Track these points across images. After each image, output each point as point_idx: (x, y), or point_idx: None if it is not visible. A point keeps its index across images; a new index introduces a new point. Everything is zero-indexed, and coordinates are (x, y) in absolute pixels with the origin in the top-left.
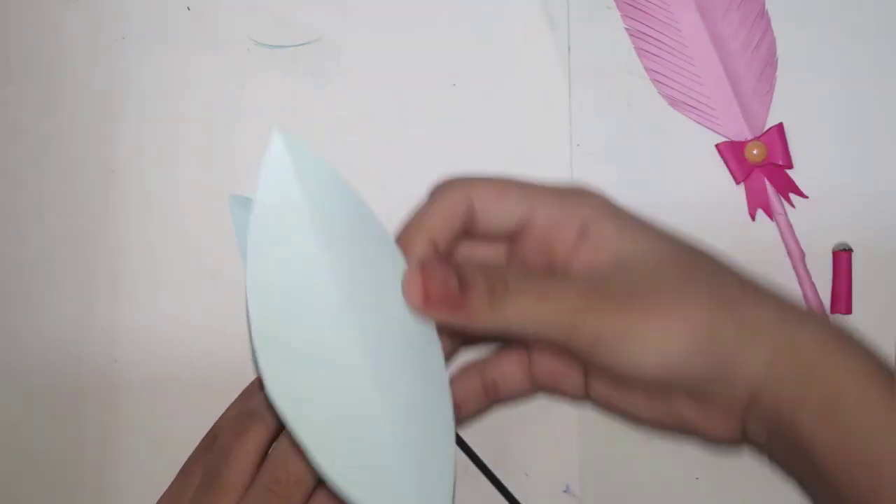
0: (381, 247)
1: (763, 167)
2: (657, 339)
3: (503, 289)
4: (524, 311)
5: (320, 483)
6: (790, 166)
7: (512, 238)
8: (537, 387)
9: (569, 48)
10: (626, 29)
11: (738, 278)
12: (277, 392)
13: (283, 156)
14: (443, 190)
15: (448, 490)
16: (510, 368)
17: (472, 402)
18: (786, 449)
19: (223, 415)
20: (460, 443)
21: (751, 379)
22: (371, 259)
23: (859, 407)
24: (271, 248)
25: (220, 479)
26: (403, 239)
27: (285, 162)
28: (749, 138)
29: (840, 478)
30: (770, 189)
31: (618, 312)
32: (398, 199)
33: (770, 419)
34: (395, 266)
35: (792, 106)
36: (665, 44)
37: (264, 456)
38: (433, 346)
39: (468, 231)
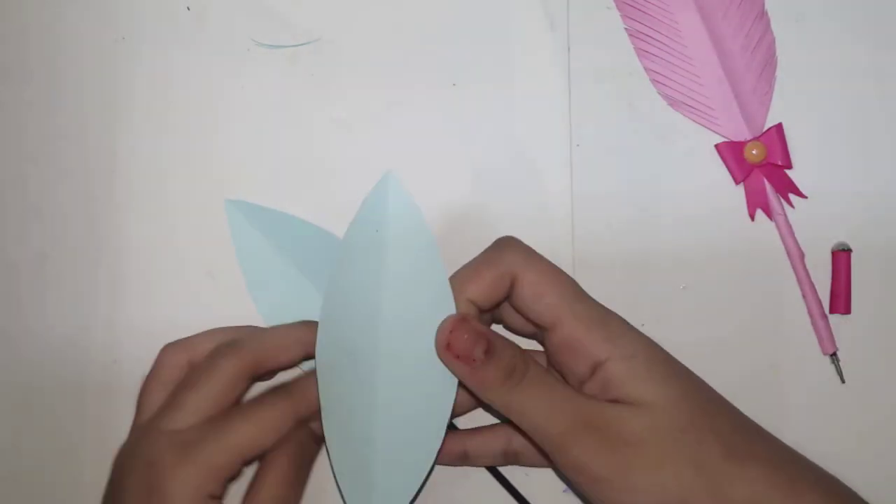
0: (437, 287)
1: (762, 167)
2: (627, 498)
3: (519, 376)
4: (525, 406)
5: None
6: (789, 166)
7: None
8: (508, 462)
9: (569, 48)
10: (626, 29)
11: (729, 443)
12: (320, 358)
13: (385, 196)
14: (497, 256)
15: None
16: (489, 443)
17: (445, 459)
18: None
19: None
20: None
21: None
22: (425, 295)
23: None
24: (349, 263)
25: (140, 400)
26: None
27: (385, 201)
28: (748, 138)
29: None
30: (769, 189)
31: (599, 456)
32: None
33: None
34: (442, 307)
35: (791, 106)
36: (665, 44)
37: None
38: (448, 388)
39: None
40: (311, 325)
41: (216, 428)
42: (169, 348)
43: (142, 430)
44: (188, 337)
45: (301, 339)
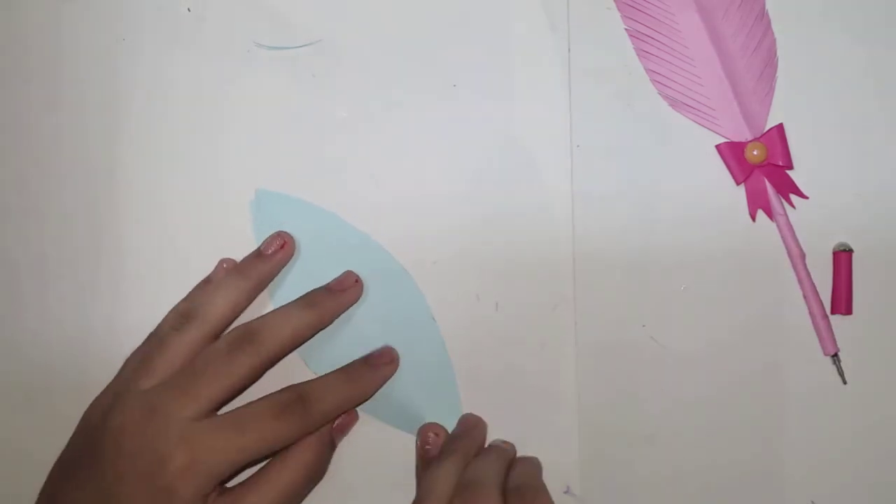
0: (351, 240)
1: (763, 167)
2: None
3: None
4: None
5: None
6: (790, 167)
7: None
8: None
9: (569, 48)
10: (626, 29)
11: None
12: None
13: (262, 210)
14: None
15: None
16: None
17: None
18: None
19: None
20: None
21: None
22: (340, 247)
23: None
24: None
25: (150, 364)
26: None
27: (265, 212)
28: (749, 139)
29: None
30: (770, 189)
31: None
32: (398, 199)
33: None
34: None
35: (792, 106)
36: (665, 44)
37: (195, 352)
38: (409, 285)
39: None
40: (308, 310)
41: (224, 429)
42: (181, 330)
43: (144, 401)
44: (194, 315)
45: (300, 330)
